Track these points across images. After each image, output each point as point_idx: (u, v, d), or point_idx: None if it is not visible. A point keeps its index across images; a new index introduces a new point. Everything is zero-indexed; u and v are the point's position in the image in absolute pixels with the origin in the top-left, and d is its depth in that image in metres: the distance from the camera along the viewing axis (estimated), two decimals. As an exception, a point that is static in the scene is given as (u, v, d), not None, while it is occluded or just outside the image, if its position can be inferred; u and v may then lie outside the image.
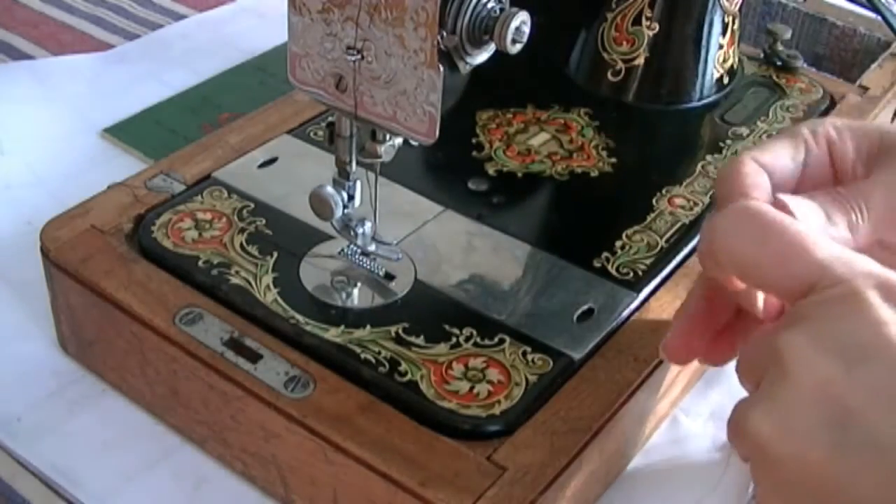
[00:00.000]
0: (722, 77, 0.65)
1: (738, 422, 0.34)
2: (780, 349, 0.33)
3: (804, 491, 0.32)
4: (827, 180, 0.42)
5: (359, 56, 0.42)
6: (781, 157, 0.41)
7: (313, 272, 0.49)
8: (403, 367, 0.44)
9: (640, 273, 0.51)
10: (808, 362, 0.32)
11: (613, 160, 0.59)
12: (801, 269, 0.34)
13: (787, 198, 0.38)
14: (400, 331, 0.46)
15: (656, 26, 0.62)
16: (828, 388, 0.31)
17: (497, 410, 0.43)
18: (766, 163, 0.41)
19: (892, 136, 0.41)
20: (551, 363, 0.45)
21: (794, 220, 0.36)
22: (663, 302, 0.49)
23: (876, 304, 0.32)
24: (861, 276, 0.33)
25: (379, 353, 0.45)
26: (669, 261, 0.52)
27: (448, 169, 0.58)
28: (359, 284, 0.49)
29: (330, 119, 0.47)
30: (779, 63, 0.69)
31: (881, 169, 0.40)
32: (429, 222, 0.53)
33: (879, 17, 0.70)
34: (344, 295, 0.49)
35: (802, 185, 0.42)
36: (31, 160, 0.68)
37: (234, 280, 0.48)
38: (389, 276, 0.49)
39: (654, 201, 0.55)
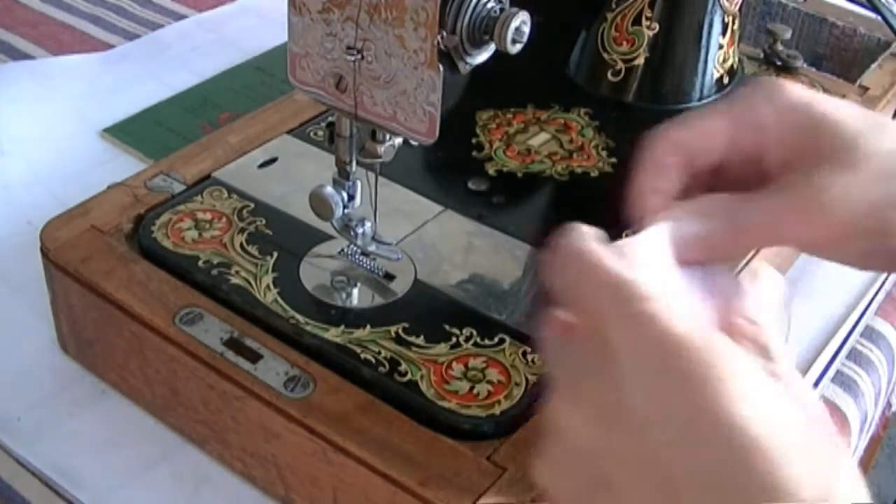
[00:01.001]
0: (722, 77, 0.65)
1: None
2: (552, 409, 0.32)
3: None
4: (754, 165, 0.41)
5: (359, 56, 0.42)
6: (709, 137, 0.41)
7: (313, 272, 0.49)
8: (403, 366, 0.44)
9: (640, 273, 0.51)
10: (572, 426, 0.32)
11: (613, 160, 0.59)
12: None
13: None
14: (400, 331, 0.46)
15: (656, 26, 0.62)
16: (588, 453, 0.31)
17: (497, 410, 0.43)
18: (688, 141, 0.41)
19: (826, 135, 0.40)
20: (551, 363, 0.45)
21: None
22: (663, 302, 0.49)
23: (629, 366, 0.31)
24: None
25: (379, 353, 0.45)
26: (669, 261, 0.52)
27: (448, 169, 0.58)
28: (359, 284, 0.49)
29: (330, 119, 0.47)
30: (779, 63, 0.69)
31: (785, 180, 0.40)
32: (429, 222, 0.53)
33: (879, 17, 0.70)
34: (344, 295, 0.49)
35: (728, 168, 0.42)
36: (31, 160, 0.68)
37: (234, 280, 0.48)
38: (389, 276, 0.49)
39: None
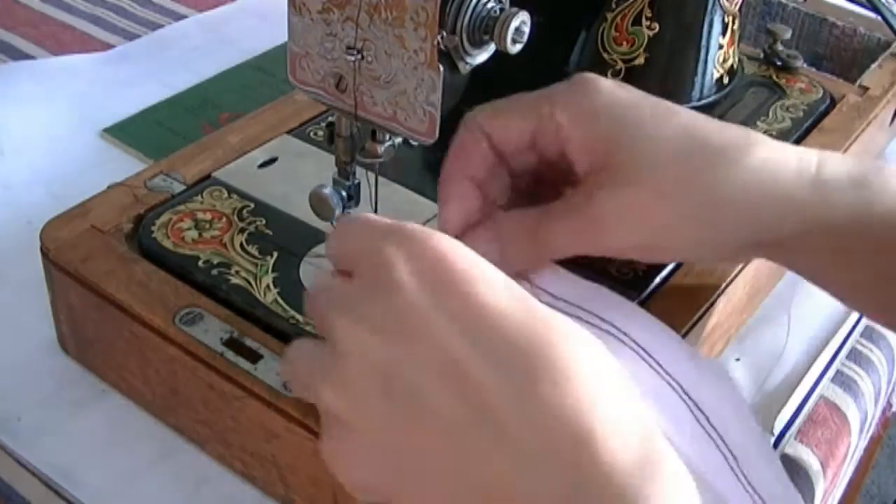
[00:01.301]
0: (722, 77, 0.65)
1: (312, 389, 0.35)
2: (330, 328, 0.34)
3: (378, 457, 0.34)
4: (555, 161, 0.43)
5: (359, 56, 0.42)
6: (512, 131, 0.43)
7: (313, 272, 0.49)
8: (403, 367, 0.44)
9: (640, 273, 0.51)
10: (362, 343, 0.33)
11: (613, 160, 0.59)
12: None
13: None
14: (400, 331, 0.46)
15: (656, 26, 0.62)
16: (380, 364, 0.33)
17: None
18: (492, 130, 0.43)
19: (620, 149, 0.41)
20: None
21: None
22: (663, 302, 0.49)
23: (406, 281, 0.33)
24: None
25: (379, 353, 0.45)
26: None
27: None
28: (359, 284, 0.49)
29: (330, 119, 0.47)
30: (779, 63, 0.69)
31: (579, 193, 0.42)
32: (429, 222, 0.53)
33: (879, 17, 0.70)
34: (344, 295, 0.49)
35: (544, 171, 0.44)
36: (31, 160, 0.68)
37: (234, 280, 0.48)
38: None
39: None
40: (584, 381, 0.31)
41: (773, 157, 0.42)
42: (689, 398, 0.42)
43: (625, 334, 0.42)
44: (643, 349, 0.42)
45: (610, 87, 0.42)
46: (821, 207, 0.41)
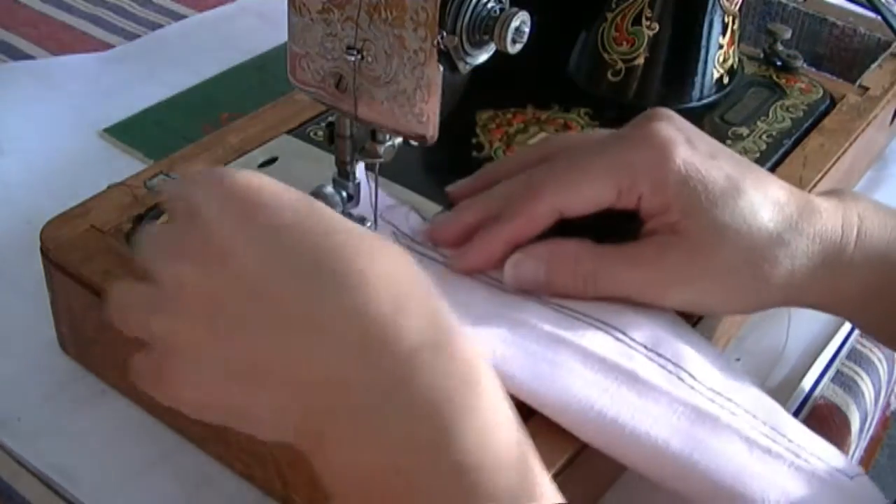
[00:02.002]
0: (722, 77, 0.65)
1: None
2: (155, 267, 0.37)
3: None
4: None
5: (359, 56, 0.42)
6: (590, 203, 0.46)
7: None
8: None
9: (640, 273, 0.51)
10: (179, 273, 0.36)
11: (613, 160, 0.59)
12: None
13: None
14: (400, 331, 0.46)
15: (656, 26, 0.62)
16: (199, 288, 0.36)
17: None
18: (569, 206, 0.46)
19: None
20: (551, 363, 0.45)
21: None
22: (663, 302, 0.49)
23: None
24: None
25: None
26: (669, 261, 0.52)
27: (448, 169, 0.58)
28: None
29: (330, 119, 0.47)
30: (779, 63, 0.69)
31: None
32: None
33: (879, 17, 0.70)
34: (344, 295, 0.48)
35: None
36: (31, 160, 0.68)
37: (234, 280, 0.48)
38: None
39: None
40: (375, 283, 0.34)
41: (820, 232, 0.46)
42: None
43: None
44: (485, 273, 0.47)
45: (686, 153, 0.45)
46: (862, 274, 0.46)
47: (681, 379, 0.43)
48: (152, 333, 0.37)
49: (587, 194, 0.46)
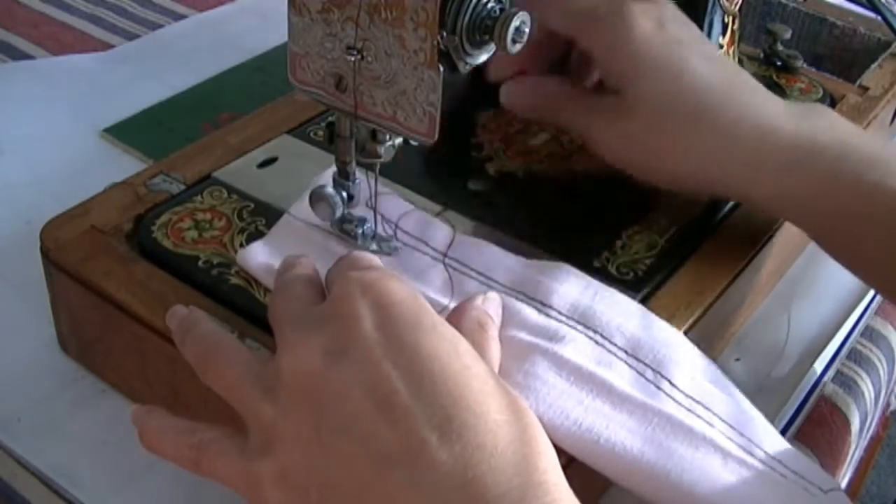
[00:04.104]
0: (722, 77, 0.65)
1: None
2: (283, 338, 0.38)
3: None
4: None
5: (359, 56, 0.42)
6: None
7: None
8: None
9: (640, 273, 0.51)
10: (307, 359, 0.37)
11: (613, 160, 0.59)
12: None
13: None
14: (400, 331, 0.46)
15: (656, 26, 0.62)
16: (322, 384, 0.36)
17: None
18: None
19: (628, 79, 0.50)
20: (551, 363, 0.45)
21: None
22: (663, 302, 0.49)
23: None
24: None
25: (379, 353, 0.45)
26: (669, 261, 0.52)
27: (448, 169, 0.58)
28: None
29: (330, 119, 0.47)
30: (779, 63, 0.69)
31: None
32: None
33: (879, 17, 0.70)
34: (344, 295, 0.49)
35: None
36: (31, 160, 0.68)
37: (234, 280, 0.48)
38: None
39: (654, 201, 0.55)
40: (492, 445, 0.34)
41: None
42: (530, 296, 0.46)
43: (456, 261, 0.48)
44: (470, 268, 0.48)
45: (648, 29, 0.49)
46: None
47: (659, 387, 0.43)
48: (259, 416, 0.37)
49: (552, 8, 0.51)
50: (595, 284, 0.47)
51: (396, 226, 0.49)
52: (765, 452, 0.42)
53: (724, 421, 0.42)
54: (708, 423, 0.42)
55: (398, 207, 0.50)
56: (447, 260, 0.48)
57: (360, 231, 0.48)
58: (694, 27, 0.50)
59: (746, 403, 0.44)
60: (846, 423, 0.55)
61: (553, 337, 0.43)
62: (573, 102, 0.52)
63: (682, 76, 0.48)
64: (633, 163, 0.51)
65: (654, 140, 0.49)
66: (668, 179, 0.51)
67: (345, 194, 0.47)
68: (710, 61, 0.49)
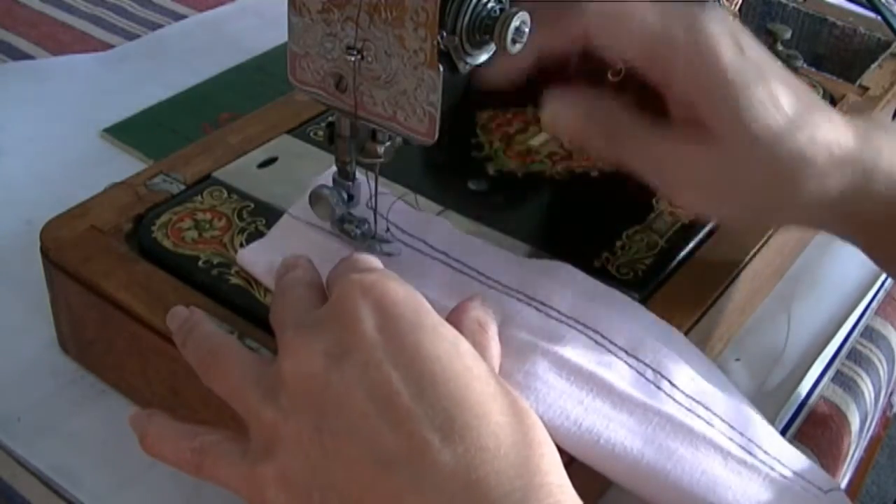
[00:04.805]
0: (722, 77, 0.65)
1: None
2: (286, 339, 0.38)
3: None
4: None
5: (359, 56, 0.42)
6: (612, 40, 0.45)
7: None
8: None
9: (640, 273, 0.51)
10: (309, 360, 0.37)
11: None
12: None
13: None
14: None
15: (656, 26, 0.62)
16: (324, 385, 0.36)
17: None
18: (597, 38, 0.45)
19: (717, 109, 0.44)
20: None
21: None
22: (663, 302, 0.49)
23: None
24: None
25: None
26: (669, 261, 0.52)
27: (448, 169, 0.58)
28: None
29: (330, 119, 0.47)
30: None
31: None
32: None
33: (879, 17, 0.70)
34: (344, 295, 0.48)
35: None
36: (31, 160, 0.68)
37: (234, 280, 0.48)
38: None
39: (654, 201, 0.55)
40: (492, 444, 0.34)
41: (849, 157, 0.45)
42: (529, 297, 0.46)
43: (456, 261, 0.48)
44: (470, 267, 0.48)
45: (733, 57, 0.44)
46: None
47: (659, 387, 0.43)
48: (259, 418, 0.37)
49: (621, 32, 0.45)
50: (595, 284, 0.47)
51: (396, 226, 0.49)
52: (765, 452, 0.42)
53: (724, 421, 0.42)
54: (708, 423, 0.42)
55: (398, 208, 0.50)
56: (447, 260, 0.48)
57: (359, 231, 0.48)
58: (761, 45, 0.46)
59: (746, 404, 0.44)
60: (846, 423, 0.55)
61: (553, 337, 0.43)
62: (641, 132, 0.46)
63: (775, 107, 0.44)
64: (721, 200, 0.46)
65: (752, 174, 0.44)
66: (757, 218, 0.48)
67: (345, 194, 0.47)
68: (789, 85, 0.45)
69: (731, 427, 0.42)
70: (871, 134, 0.46)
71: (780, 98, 0.43)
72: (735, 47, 0.44)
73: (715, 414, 0.42)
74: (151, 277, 0.48)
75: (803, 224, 0.49)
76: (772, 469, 0.41)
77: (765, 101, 0.43)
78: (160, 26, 0.86)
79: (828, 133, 0.44)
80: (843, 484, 0.59)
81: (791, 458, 0.42)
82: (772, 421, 0.52)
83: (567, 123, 0.47)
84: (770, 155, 0.43)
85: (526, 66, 0.46)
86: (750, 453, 0.41)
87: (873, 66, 0.72)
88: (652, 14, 0.44)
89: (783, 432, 0.53)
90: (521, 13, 0.41)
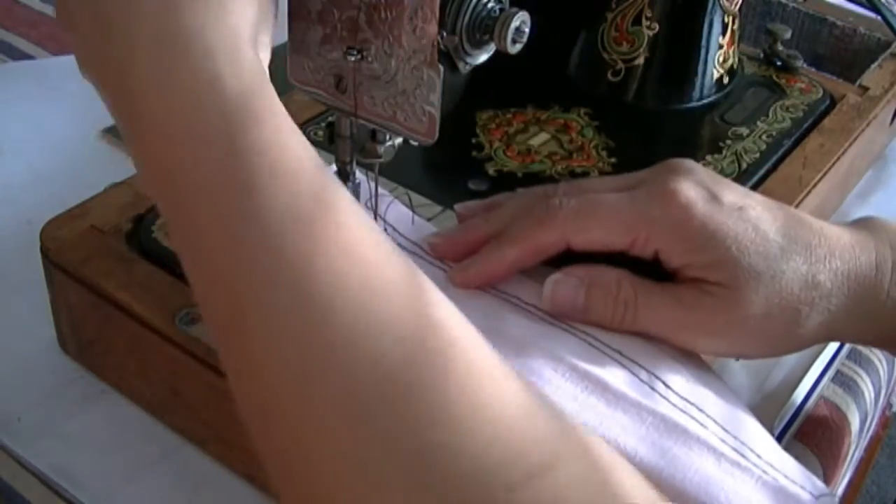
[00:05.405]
0: (722, 77, 0.65)
1: None
2: None
3: None
4: None
5: (359, 56, 0.42)
6: (599, 244, 0.46)
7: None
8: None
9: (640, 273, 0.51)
10: None
11: (613, 160, 0.59)
12: None
13: None
14: (400, 331, 0.46)
15: (656, 26, 0.62)
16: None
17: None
18: (578, 242, 0.46)
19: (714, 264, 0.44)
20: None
21: None
22: (663, 302, 0.49)
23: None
24: None
25: (379, 353, 0.45)
26: (669, 261, 0.52)
27: (448, 169, 0.58)
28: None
29: (330, 119, 0.47)
30: (779, 63, 0.69)
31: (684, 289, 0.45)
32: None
33: (879, 17, 0.70)
34: (344, 295, 0.48)
35: None
36: (31, 160, 0.68)
37: (234, 280, 0.48)
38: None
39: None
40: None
41: (854, 270, 0.45)
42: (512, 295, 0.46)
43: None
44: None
45: (706, 210, 0.44)
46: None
47: (653, 388, 0.43)
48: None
49: (598, 235, 0.45)
50: None
51: (395, 229, 0.49)
52: (757, 456, 0.42)
53: (717, 423, 0.42)
54: (701, 424, 0.42)
55: (398, 213, 0.50)
56: (443, 266, 0.48)
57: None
58: (726, 181, 0.47)
59: (741, 408, 0.44)
60: (846, 423, 0.55)
61: (548, 336, 0.43)
62: (652, 298, 0.45)
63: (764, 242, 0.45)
64: (741, 342, 0.46)
65: (760, 311, 0.44)
66: (779, 347, 0.47)
67: (345, 194, 0.47)
68: (771, 211, 0.46)
69: (725, 430, 0.42)
70: (871, 236, 0.46)
71: (768, 234, 0.44)
72: (709, 199, 0.44)
73: (709, 416, 0.42)
74: (151, 277, 0.48)
75: (830, 340, 0.48)
76: (764, 472, 0.41)
77: (755, 241, 0.44)
78: (160, 26, 0.85)
79: (823, 252, 0.45)
80: (843, 484, 0.59)
81: (783, 463, 0.42)
82: (772, 421, 0.52)
83: (571, 302, 0.45)
84: (773, 290, 0.44)
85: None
86: (743, 456, 0.41)
87: (873, 66, 0.72)
88: (622, 198, 0.45)
89: (783, 432, 0.53)
90: (521, 13, 0.41)
